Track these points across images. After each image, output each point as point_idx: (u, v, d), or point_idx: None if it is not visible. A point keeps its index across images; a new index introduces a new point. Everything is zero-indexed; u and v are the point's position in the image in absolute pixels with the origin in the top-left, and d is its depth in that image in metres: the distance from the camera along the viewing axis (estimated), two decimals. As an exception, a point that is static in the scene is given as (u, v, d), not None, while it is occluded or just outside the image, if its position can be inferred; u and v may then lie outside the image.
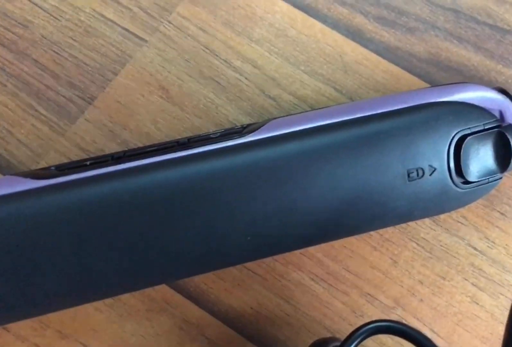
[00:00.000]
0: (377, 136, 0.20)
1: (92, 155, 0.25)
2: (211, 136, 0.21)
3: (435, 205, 0.22)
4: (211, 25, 0.27)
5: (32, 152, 0.25)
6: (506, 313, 0.24)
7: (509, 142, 0.21)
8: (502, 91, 0.23)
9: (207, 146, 0.20)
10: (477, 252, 0.25)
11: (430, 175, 0.20)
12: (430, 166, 0.20)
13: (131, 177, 0.19)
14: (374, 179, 0.20)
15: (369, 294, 0.24)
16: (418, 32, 0.28)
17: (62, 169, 0.20)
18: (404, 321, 0.24)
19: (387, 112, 0.21)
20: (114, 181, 0.19)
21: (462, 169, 0.20)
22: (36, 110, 0.25)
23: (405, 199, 0.21)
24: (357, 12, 0.28)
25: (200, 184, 0.19)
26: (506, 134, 0.20)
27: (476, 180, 0.21)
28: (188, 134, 0.26)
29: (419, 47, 0.27)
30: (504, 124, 0.21)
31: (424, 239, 0.25)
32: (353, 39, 0.27)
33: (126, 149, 0.25)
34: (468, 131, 0.20)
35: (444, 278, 0.24)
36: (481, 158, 0.21)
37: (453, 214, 0.25)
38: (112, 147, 0.25)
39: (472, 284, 0.24)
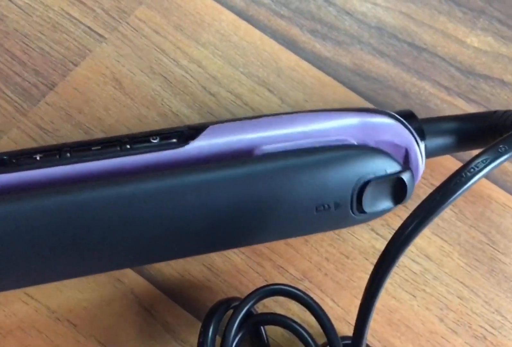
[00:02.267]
0: (292, 175, 0.23)
1: (48, 135, 0.28)
2: (152, 140, 0.23)
3: (335, 225, 0.26)
4: (163, 28, 0.31)
5: (-4, 128, 0.28)
6: (398, 289, 0.28)
7: (405, 186, 0.24)
8: (410, 115, 0.27)
9: (144, 154, 0.23)
10: (378, 236, 0.28)
11: (335, 209, 0.24)
12: (336, 202, 0.24)
13: (70, 194, 0.21)
14: (286, 209, 0.24)
15: (281, 267, 0.28)
16: (345, 45, 0.32)
17: (13, 158, 0.22)
18: (309, 292, 0.27)
19: (305, 149, 0.24)
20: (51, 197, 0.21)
21: (363, 204, 0.24)
22: (3, 92, 0.29)
23: (310, 223, 0.25)
24: (293, 25, 0.32)
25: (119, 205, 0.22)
26: (404, 180, 0.24)
27: (373, 211, 0.25)
28: (135, 121, 0.29)
29: (345, 58, 0.32)
30: (403, 171, 0.24)
31: (331, 220, 0.28)
32: (288, 48, 0.31)
33: (80, 130, 0.29)
34: (372, 176, 0.24)
35: (347, 257, 0.28)
36: (380, 197, 0.24)
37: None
38: (67, 128, 0.29)
39: (371, 263, 0.28)
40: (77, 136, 0.29)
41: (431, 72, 0.31)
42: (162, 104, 0.30)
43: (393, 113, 0.26)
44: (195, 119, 0.30)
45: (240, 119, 0.25)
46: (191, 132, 0.24)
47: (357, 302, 0.27)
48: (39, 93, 0.29)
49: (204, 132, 0.23)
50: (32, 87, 0.29)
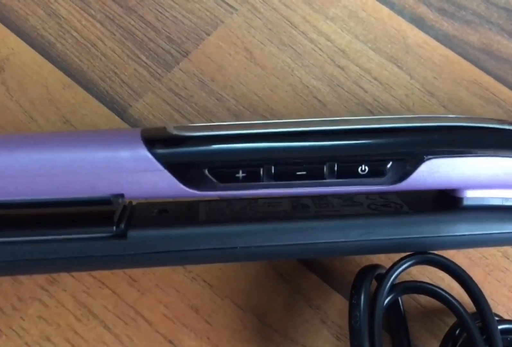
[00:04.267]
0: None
1: (182, 100, 0.29)
2: (360, 172, 0.21)
3: None
4: (293, 1, 0.31)
5: (133, 91, 0.29)
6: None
7: None
8: None
9: (350, 187, 0.21)
10: None
11: None
12: None
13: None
14: None
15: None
16: (473, 24, 0.31)
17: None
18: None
19: None
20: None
21: None
22: (138, 57, 0.29)
23: None
24: (421, 3, 0.32)
25: None
26: None
27: None
28: (266, 91, 0.29)
29: (473, 37, 0.31)
30: None
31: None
32: (416, 25, 0.31)
33: (212, 97, 0.29)
34: None
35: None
36: None
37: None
38: (200, 95, 0.29)
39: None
40: (210, 102, 0.29)
41: None
42: (292, 75, 0.30)
43: None
44: (324, 91, 0.30)
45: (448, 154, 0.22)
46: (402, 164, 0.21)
47: (490, 279, 0.27)
48: (173, 59, 0.30)
49: (421, 168, 0.21)
50: (166, 54, 0.30)
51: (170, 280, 0.26)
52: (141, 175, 0.20)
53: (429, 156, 0.21)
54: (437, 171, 0.21)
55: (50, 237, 0.21)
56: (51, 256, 0.21)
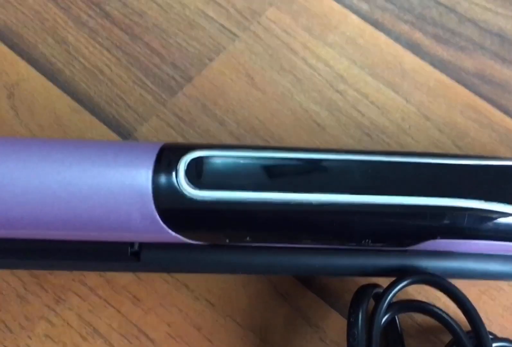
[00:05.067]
0: None
1: (185, 124, 0.30)
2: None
3: None
4: (293, 28, 0.32)
5: (138, 116, 0.30)
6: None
7: None
8: None
9: None
10: None
11: None
12: None
13: None
14: None
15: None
16: (468, 50, 0.33)
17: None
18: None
19: None
20: None
21: None
22: (144, 83, 0.31)
23: None
24: (416, 29, 0.33)
25: None
26: None
27: None
28: (267, 115, 0.30)
29: (468, 63, 0.32)
30: None
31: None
32: (412, 51, 0.32)
33: (215, 121, 0.30)
34: None
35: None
36: None
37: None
38: (203, 119, 0.30)
39: None
40: (213, 126, 0.30)
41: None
42: (291, 99, 0.31)
43: None
44: (323, 115, 0.31)
45: None
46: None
47: (485, 298, 0.27)
48: (177, 85, 0.31)
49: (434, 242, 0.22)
50: (171, 79, 0.31)
51: (173, 299, 0.26)
52: (152, 235, 0.21)
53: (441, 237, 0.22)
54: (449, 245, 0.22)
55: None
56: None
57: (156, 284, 0.27)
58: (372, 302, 0.23)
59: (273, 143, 0.30)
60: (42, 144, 0.21)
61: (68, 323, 0.26)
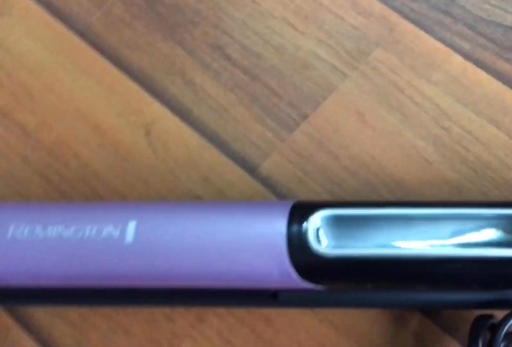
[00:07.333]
0: None
1: (303, 159, 0.33)
2: None
3: None
4: (399, 68, 0.35)
5: (261, 151, 0.33)
6: None
7: None
8: None
9: None
10: None
11: None
12: None
13: None
14: None
15: None
16: None
17: None
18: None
19: None
20: None
21: None
22: (264, 121, 0.34)
23: None
24: (517, 67, 0.35)
25: None
26: None
27: None
28: (378, 151, 0.33)
29: None
30: None
31: None
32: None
33: (330, 157, 0.33)
34: None
35: None
36: None
37: None
38: (319, 155, 0.33)
39: None
40: (328, 162, 0.33)
41: None
42: (400, 135, 0.33)
43: None
44: (430, 150, 0.33)
45: None
46: None
47: None
48: (294, 122, 0.34)
49: None
50: (288, 118, 0.34)
51: (300, 321, 0.29)
52: (288, 286, 0.25)
53: None
54: None
55: None
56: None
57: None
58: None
59: (383, 177, 0.33)
60: (196, 207, 0.26)
61: (209, 341, 0.29)
